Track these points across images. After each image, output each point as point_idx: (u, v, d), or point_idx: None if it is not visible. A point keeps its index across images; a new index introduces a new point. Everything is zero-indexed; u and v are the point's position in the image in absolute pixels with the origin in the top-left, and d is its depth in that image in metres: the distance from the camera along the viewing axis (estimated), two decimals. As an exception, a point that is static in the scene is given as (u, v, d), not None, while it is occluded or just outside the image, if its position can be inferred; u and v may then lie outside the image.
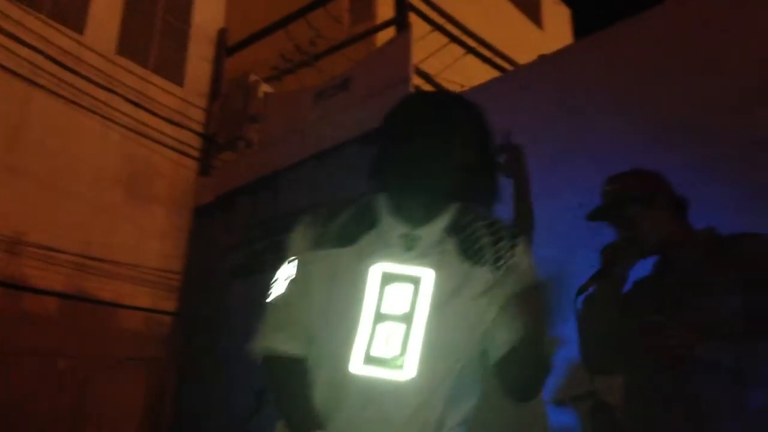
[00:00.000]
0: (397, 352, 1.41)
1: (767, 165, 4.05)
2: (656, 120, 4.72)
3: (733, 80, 4.48)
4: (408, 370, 1.40)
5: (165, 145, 8.58)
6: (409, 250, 1.49)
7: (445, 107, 1.56)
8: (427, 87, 7.65)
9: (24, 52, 7.55)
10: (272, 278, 1.70)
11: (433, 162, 1.49)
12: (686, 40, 4.84)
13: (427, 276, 1.44)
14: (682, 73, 4.75)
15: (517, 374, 1.50)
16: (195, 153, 8.92)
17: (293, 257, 1.62)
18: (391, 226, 1.53)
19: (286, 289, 1.60)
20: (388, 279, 1.46)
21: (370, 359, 1.42)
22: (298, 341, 1.57)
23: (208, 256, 7.70)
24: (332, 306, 1.49)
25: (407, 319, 1.42)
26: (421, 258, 1.48)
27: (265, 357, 1.61)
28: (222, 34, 9.57)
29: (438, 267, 1.47)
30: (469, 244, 1.50)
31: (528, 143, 5.39)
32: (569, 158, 5.04)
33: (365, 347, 1.43)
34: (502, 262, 1.49)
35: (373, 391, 1.42)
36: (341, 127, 6.88)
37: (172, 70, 9.25)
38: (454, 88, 7.86)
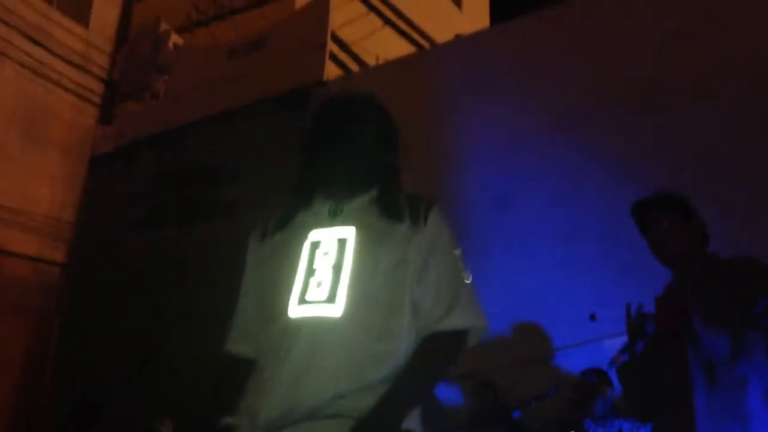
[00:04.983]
0: (327, 294, 1.62)
1: (654, 162, 4.31)
2: (559, 109, 4.91)
3: (631, 78, 4.72)
4: (338, 308, 1.60)
5: (65, 88, 8.18)
6: (334, 217, 1.73)
7: (358, 110, 1.84)
8: (342, 55, 7.61)
9: None
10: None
11: (351, 154, 1.77)
12: (591, 37, 5.05)
13: (350, 234, 1.68)
14: (586, 67, 4.95)
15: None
16: (96, 99, 8.56)
17: (247, 259, 1.86)
18: (322, 205, 1.77)
19: (242, 293, 1.85)
20: (317, 243, 1.70)
21: (304, 302, 1.63)
22: (251, 343, 1.77)
23: (103, 208, 7.46)
24: (276, 274, 1.71)
25: (336, 269, 1.65)
26: (345, 222, 1.71)
27: (227, 356, 1.80)
28: (133, -24, 9.18)
29: (360, 226, 1.69)
30: (388, 208, 1.73)
31: (438, 121, 5.52)
32: (476, 140, 5.19)
33: (299, 294, 1.64)
34: (417, 218, 1.71)
35: (308, 329, 1.60)
36: (253, 87, 6.78)
37: (78, 9, 8.78)
38: (370, 58, 7.88)
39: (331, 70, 7.12)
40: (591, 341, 3.81)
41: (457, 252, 1.76)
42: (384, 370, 1.60)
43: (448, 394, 4.71)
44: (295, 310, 1.63)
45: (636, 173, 4.19)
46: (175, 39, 8.31)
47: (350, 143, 1.77)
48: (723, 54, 4.40)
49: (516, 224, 4.72)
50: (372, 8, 8.33)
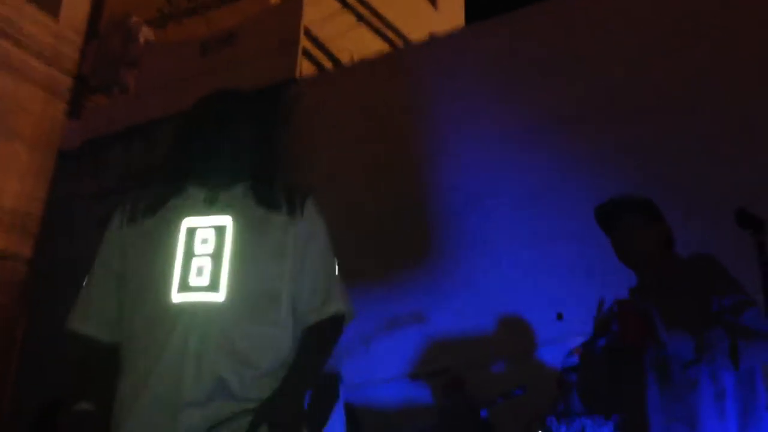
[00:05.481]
0: (208, 281, 1.66)
1: (624, 165, 4.33)
2: (530, 111, 4.92)
3: (605, 80, 4.74)
4: (220, 294, 1.65)
5: (34, 81, 8.03)
6: (210, 205, 1.76)
7: (239, 104, 1.88)
8: (316, 51, 7.57)
9: None
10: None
11: (230, 144, 1.80)
12: (566, 37, 5.06)
13: (228, 222, 1.73)
14: (559, 69, 4.97)
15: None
16: (66, 93, 8.40)
17: (104, 241, 1.88)
18: (196, 192, 1.79)
19: (94, 273, 1.85)
20: (194, 229, 1.73)
21: (185, 287, 1.66)
22: (98, 324, 1.81)
23: (71, 203, 7.35)
24: (150, 260, 1.72)
25: (215, 256, 1.69)
26: (222, 211, 1.75)
27: (70, 335, 1.85)
28: (105, -32, 9.03)
29: (237, 214, 1.74)
30: (264, 197, 1.80)
31: (410, 120, 5.51)
32: (447, 139, 5.19)
33: (180, 280, 1.67)
34: (294, 208, 1.79)
35: (190, 315, 1.63)
36: (224, 83, 6.69)
37: (48, 1, 8.63)
38: (344, 56, 7.84)
39: (305, 68, 7.08)
40: (558, 340, 3.83)
41: (330, 242, 1.86)
42: (267, 355, 1.66)
43: (418, 392, 4.71)
44: (176, 296, 1.65)
45: (605, 175, 4.21)
46: (146, 33, 8.20)
47: (229, 134, 1.80)
48: (699, 63, 4.45)
49: (485, 224, 4.73)
50: (346, 5, 8.29)
